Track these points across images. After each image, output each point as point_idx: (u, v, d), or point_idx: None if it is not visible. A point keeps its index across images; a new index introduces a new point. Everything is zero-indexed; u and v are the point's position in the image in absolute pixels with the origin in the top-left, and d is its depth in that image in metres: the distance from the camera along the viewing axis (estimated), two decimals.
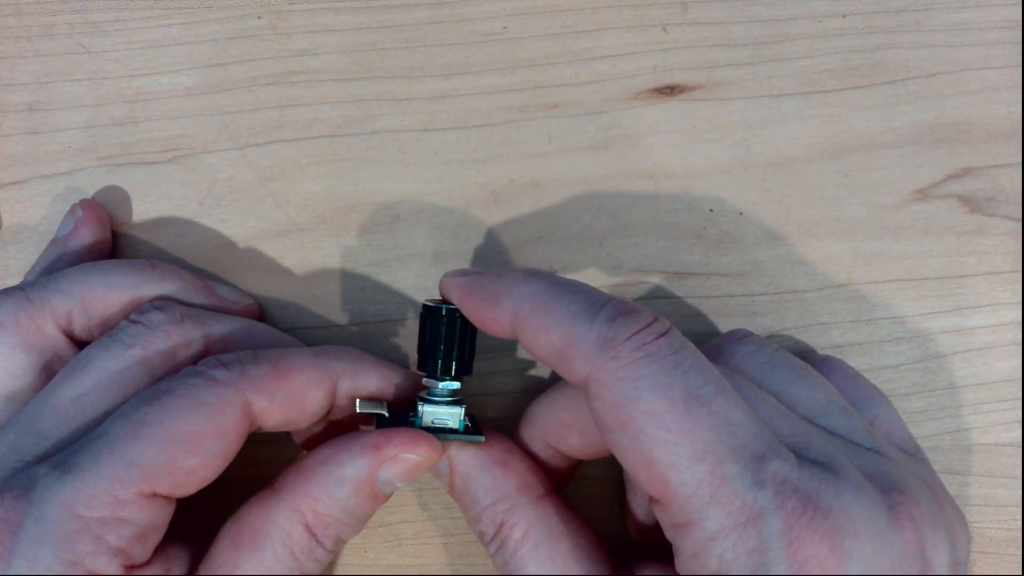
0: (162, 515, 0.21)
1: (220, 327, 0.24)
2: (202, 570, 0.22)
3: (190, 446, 0.21)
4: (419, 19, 0.28)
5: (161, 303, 0.24)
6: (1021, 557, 0.27)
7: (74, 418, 0.22)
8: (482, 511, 0.23)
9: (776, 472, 0.19)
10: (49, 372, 0.24)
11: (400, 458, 0.22)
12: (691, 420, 0.19)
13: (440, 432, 0.23)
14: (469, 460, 0.23)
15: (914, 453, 0.24)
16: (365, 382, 0.24)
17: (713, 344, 0.25)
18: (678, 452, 0.19)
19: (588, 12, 0.28)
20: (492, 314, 0.22)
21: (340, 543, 0.23)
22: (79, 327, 0.24)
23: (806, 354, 0.27)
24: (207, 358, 0.23)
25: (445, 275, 0.24)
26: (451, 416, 0.23)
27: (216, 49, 0.28)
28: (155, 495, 0.21)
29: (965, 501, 0.27)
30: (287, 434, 0.27)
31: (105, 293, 0.25)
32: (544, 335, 0.21)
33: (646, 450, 0.19)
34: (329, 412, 0.24)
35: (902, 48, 0.28)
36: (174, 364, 0.23)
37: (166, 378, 0.22)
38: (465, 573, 0.27)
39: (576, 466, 0.25)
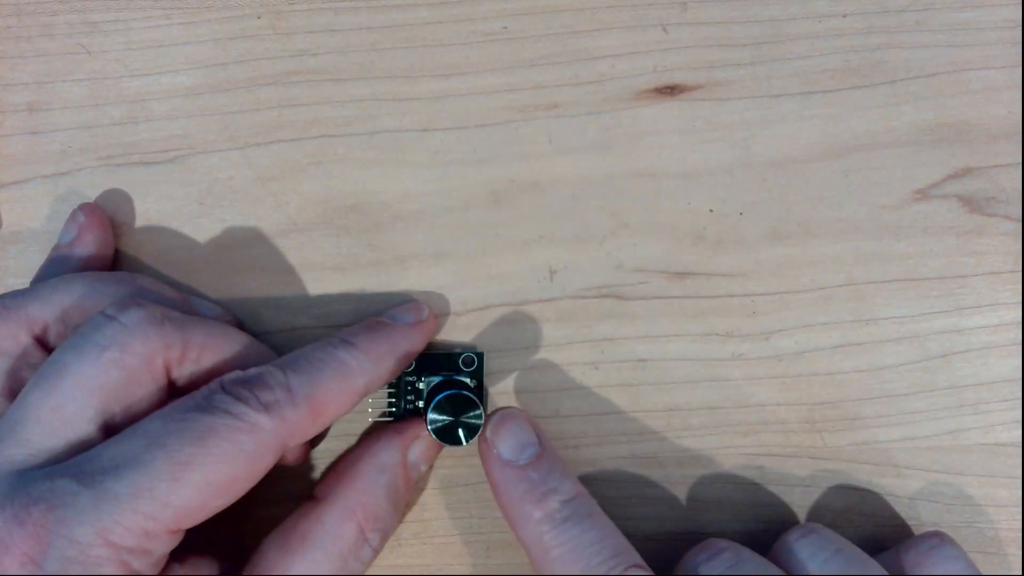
0: (176, 543, 0.21)
1: (200, 333, 0.24)
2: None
3: (224, 490, 0.21)
4: (419, 19, 0.28)
5: (141, 300, 0.24)
6: (1021, 557, 0.27)
7: (57, 428, 0.21)
8: None
9: None
10: (15, 379, 0.24)
11: (421, 436, 0.25)
12: None
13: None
14: None
15: None
16: (389, 377, 0.25)
17: (780, 544, 0.25)
18: None
19: (588, 12, 0.28)
20: (507, 520, 0.24)
21: (384, 541, 0.24)
22: (54, 335, 0.24)
23: (909, 535, 0.27)
24: (243, 389, 0.22)
25: (495, 429, 0.25)
26: None
27: (216, 49, 0.28)
28: (179, 530, 0.21)
29: (965, 501, 0.27)
30: None
31: (82, 302, 0.24)
32: None
33: None
34: None
35: (902, 48, 0.28)
36: (152, 367, 0.23)
37: (204, 403, 0.21)
38: (464, 573, 0.27)
39: None
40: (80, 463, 0.21)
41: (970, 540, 0.27)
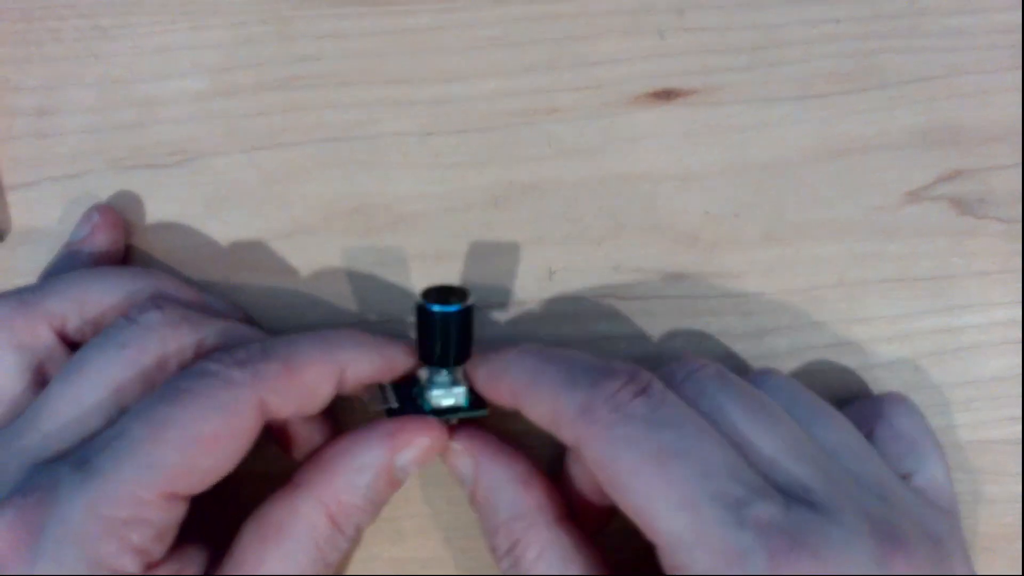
0: (178, 514, 0.22)
1: (214, 332, 0.24)
2: (226, 567, 0.23)
3: (208, 447, 0.21)
4: (421, 25, 0.29)
5: (160, 302, 0.24)
6: (1021, 553, 0.27)
7: (72, 420, 0.22)
8: (499, 525, 0.24)
9: (760, 514, 0.20)
10: (40, 373, 0.24)
11: (415, 442, 0.24)
12: (666, 473, 0.20)
13: (447, 412, 0.25)
14: (495, 473, 0.24)
15: (948, 509, 0.24)
16: (371, 366, 0.24)
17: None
18: (659, 503, 0.20)
19: (586, 18, 0.29)
20: (496, 391, 0.24)
21: (360, 532, 0.24)
22: (73, 329, 0.25)
23: (874, 393, 0.28)
24: (220, 353, 0.23)
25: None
26: (456, 396, 0.25)
27: (222, 54, 0.29)
28: (174, 495, 0.21)
29: (956, 497, 0.28)
30: None
31: (100, 297, 0.25)
32: (537, 407, 0.23)
33: (632, 503, 0.21)
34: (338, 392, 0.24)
35: (895, 53, 0.29)
36: (165, 369, 0.23)
37: (182, 375, 0.22)
38: (466, 567, 0.28)
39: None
40: (81, 450, 0.21)
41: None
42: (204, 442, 0.21)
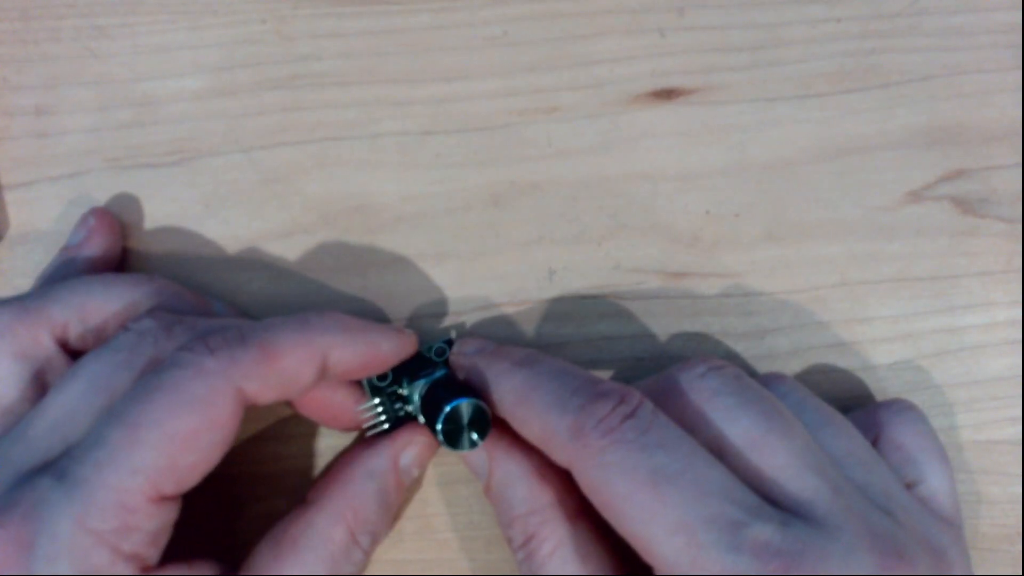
0: (169, 515, 0.21)
1: (209, 330, 0.24)
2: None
3: (188, 443, 0.21)
4: (421, 24, 0.29)
5: (156, 312, 0.24)
6: (1022, 555, 0.27)
7: (63, 425, 0.22)
8: (514, 519, 0.24)
9: (756, 537, 0.20)
10: (41, 382, 0.24)
11: (415, 440, 0.25)
12: (659, 497, 0.20)
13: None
14: (508, 468, 0.24)
15: (951, 520, 0.24)
16: (355, 351, 0.24)
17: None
18: (653, 528, 0.20)
19: (587, 17, 0.29)
20: (487, 401, 0.24)
21: (375, 543, 0.24)
22: (74, 337, 0.25)
23: (873, 397, 0.28)
24: (194, 342, 0.22)
25: (460, 346, 0.26)
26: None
27: (221, 53, 0.29)
28: (161, 497, 0.21)
29: (960, 507, 0.28)
30: (287, 432, 0.27)
31: (102, 304, 0.25)
32: (526, 428, 0.23)
33: (627, 527, 0.21)
34: (322, 378, 0.24)
35: (896, 52, 0.29)
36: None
37: (154, 370, 0.22)
38: (466, 569, 0.28)
39: None
40: (62, 460, 0.21)
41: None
42: (183, 439, 0.20)
